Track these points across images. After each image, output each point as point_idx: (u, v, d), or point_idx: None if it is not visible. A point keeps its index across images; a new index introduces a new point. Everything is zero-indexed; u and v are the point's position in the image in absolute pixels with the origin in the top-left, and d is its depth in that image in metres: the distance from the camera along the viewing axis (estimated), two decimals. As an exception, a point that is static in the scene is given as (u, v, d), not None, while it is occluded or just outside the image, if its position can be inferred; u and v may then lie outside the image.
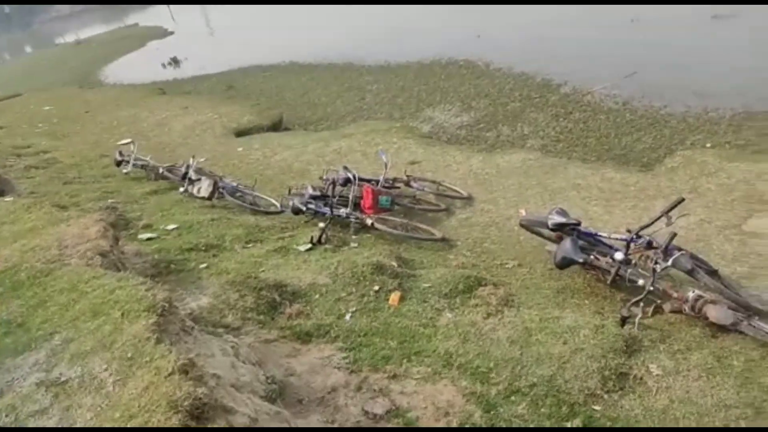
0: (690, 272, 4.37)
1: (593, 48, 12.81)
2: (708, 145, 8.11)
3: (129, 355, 3.12)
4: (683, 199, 4.40)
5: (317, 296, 4.92)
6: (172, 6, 38.01)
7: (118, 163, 9.95)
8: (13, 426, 2.85)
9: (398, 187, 7.61)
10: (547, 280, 5.33)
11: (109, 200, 8.18)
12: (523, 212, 6.71)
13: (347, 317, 4.64)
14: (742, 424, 3.39)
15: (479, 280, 5.18)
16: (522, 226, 6.00)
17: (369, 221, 6.52)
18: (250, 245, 6.35)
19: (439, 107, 11.88)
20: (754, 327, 4.02)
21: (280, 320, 4.58)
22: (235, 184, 8.27)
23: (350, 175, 6.91)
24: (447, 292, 5.00)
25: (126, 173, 9.82)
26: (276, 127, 12.24)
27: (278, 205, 7.69)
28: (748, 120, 8.62)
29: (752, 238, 5.43)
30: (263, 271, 5.49)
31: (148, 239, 6.61)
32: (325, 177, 7.46)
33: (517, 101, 11.27)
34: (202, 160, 9.05)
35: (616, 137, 8.98)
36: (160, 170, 9.21)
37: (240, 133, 11.90)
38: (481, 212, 7.17)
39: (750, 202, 6.04)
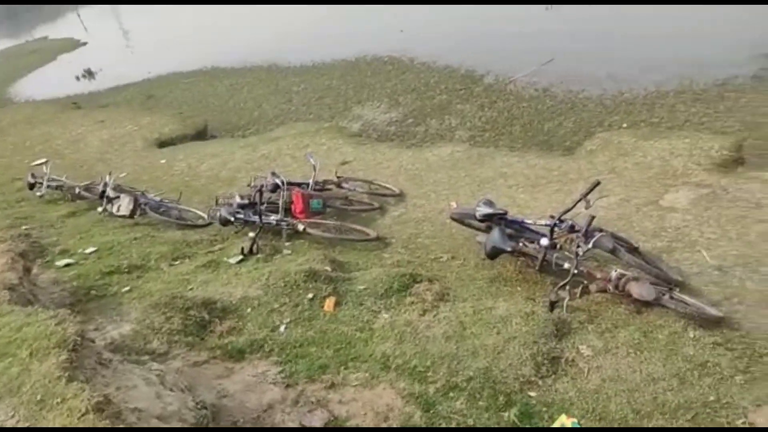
0: (612, 251, 4.51)
1: (512, 37, 13.09)
2: (624, 125, 8.45)
3: (38, 397, 2.90)
4: (599, 182, 4.53)
5: (249, 310, 4.77)
6: (83, 16, 36.10)
7: (32, 186, 9.34)
8: None
9: (330, 189, 7.50)
10: (480, 271, 5.38)
11: (23, 227, 7.66)
12: (453, 205, 6.78)
13: (281, 329, 4.52)
14: (669, 396, 3.52)
15: (414, 277, 5.18)
16: (452, 219, 6.04)
17: (301, 227, 6.39)
18: (177, 262, 6.11)
19: (368, 105, 11.82)
20: (675, 300, 4.19)
21: (210, 340, 4.41)
22: (158, 198, 7.92)
23: (279, 181, 6.76)
24: (383, 292, 4.96)
25: (40, 196, 9.23)
26: (201, 135, 11.83)
27: (206, 216, 7.42)
28: (660, 98, 9.04)
29: (669, 212, 5.69)
30: (191, 289, 5.28)
31: (66, 265, 6.25)
32: (252, 184, 7.26)
33: (444, 94, 11.37)
34: (122, 175, 8.64)
35: (539, 123, 9.21)
36: (77, 190, 8.71)
37: (162, 144, 11.42)
38: (414, 208, 7.18)
39: (665, 177, 6.33)
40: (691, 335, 3.95)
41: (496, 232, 5.07)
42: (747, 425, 3.32)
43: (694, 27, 11.22)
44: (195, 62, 17.45)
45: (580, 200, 4.50)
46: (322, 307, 4.78)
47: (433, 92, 11.57)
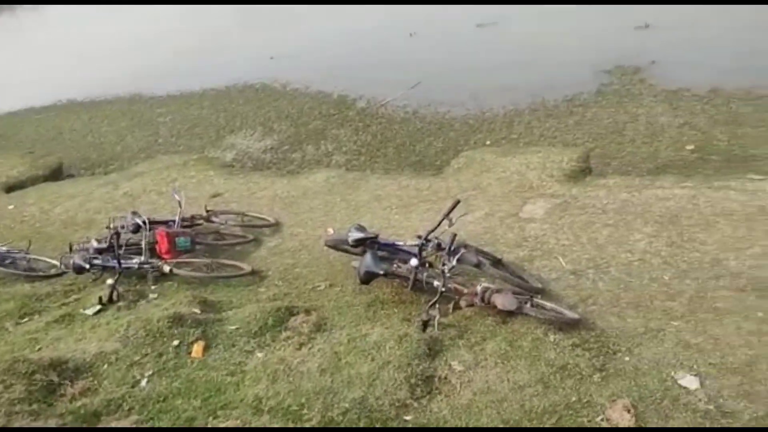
0: (476, 265, 4.69)
1: (380, 62, 13.49)
2: (488, 142, 8.95)
3: None
4: (459, 201, 4.72)
5: (106, 366, 4.34)
6: None
7: None
8: None
9: (199, 224, 7.11)
10: (358, 296, 5.33)
11: None
12: (330, 231, 6.73)
13: (143, 383, 4.15)
14: (535, 402, 3.67)
15: (290, 310, 5.03)
16: (327, 246, 5.98)
17: (167, 268, 5.97)
18: (26, 320, 5.48)
19: (241, 133, 11.53)
20: (536, 307, 4.42)
21: (60, 405, 3.94)
22: (4, 249, 7.07)
23: (140, 221, 6.31)
24: (257, 330, 4.76)
25: None
26: (56, 175, 10.81)
27: (59, 265, 6.72)
28: (517, 116, 9.72)
29: (528, 223, 6.05)
30: (39, 349, 4.72)
31: None
32: (111, 226, 6.70)
33: (318, 119, 11.39)
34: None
35: (410, 144, 9.50)
36: None
37: (10, 189, 10.27)
38: (291, 237, 7.03)
39: (523, 190, 6.75)
40: (552, 339, 4.16)
41: (368, 257, 5.07)
42: (604, 420, 3.54)
43: (543, 50, 12.27)
44: (48, 96, 16.03)
45: (443, 219, 4.64)
46: (190, 353, 4.47)
47: (307, 118, 11.55)
